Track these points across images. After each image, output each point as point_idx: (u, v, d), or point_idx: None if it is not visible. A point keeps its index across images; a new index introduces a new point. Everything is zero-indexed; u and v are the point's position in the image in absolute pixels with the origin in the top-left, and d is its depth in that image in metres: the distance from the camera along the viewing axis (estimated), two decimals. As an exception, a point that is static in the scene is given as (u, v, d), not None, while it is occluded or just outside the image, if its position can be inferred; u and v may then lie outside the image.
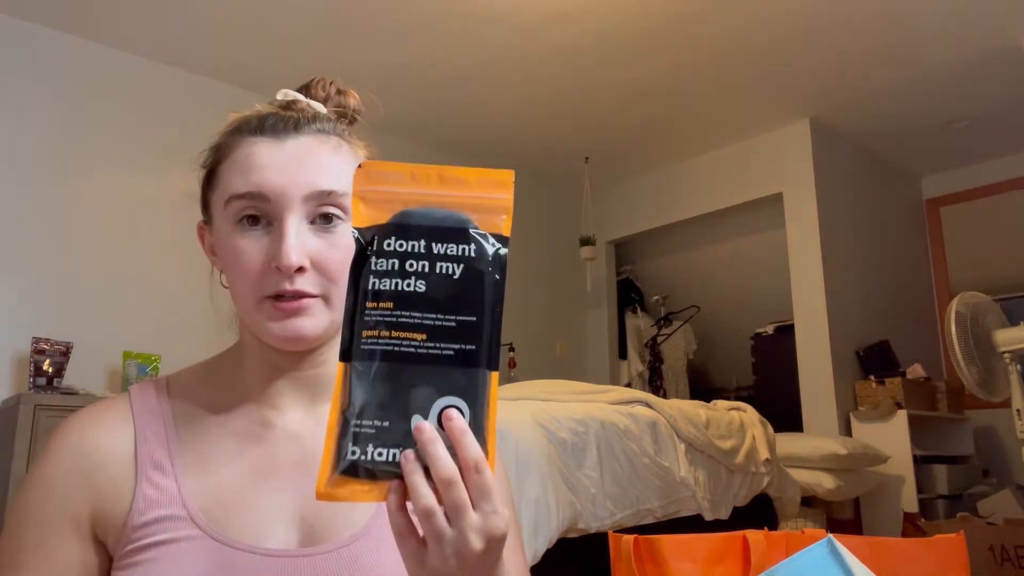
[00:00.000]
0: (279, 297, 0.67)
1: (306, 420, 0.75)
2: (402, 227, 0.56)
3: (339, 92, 0.79)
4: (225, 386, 0.75)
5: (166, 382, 0.75)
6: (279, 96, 0.76)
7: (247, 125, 0.71)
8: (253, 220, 0.68)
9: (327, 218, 0.69)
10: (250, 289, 0.67)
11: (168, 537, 0.64)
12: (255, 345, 0.73)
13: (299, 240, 0.66)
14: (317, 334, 0.69)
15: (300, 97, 0.76)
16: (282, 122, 0.71)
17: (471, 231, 0.56)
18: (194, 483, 0.68)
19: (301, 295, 0.67)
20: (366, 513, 0.71)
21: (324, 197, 0.68)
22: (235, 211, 0.68)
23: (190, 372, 0.77)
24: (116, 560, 0.66)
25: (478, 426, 0.53)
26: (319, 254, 0.68)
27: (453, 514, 0.50)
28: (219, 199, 0.70)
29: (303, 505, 0.69)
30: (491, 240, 0.57)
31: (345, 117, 0.78)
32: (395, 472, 0.52)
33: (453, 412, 0.52)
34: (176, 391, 0.74)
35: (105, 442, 0.69)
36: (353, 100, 0.79)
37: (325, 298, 0.69)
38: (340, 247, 0.68)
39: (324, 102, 0.77)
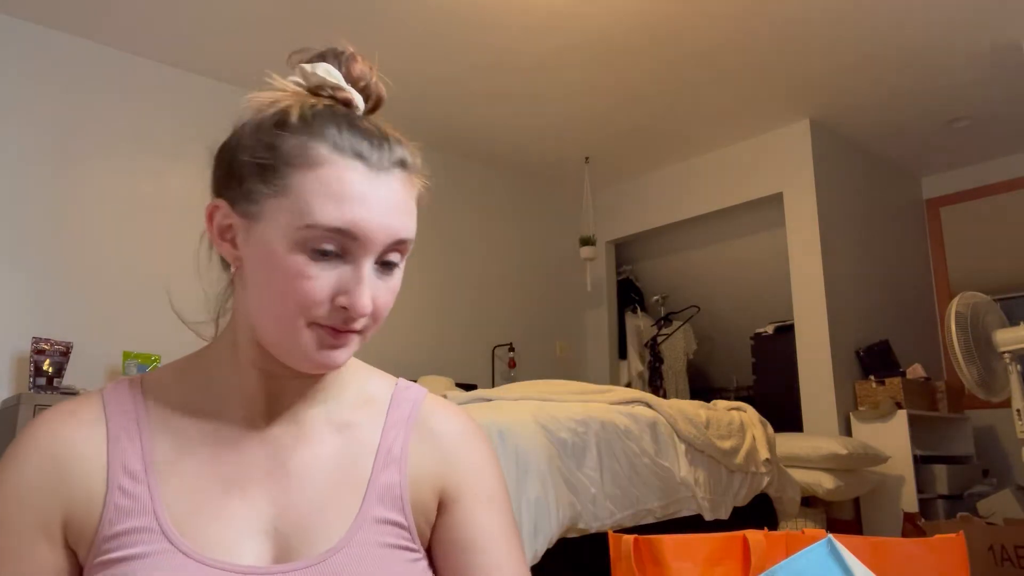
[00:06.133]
0: (331, 328, 0.65)
1: (289, 427, 0.71)
2: None
3: (377, 79, 0.70)
4: (204, 387, 0.71)
5: (140, 381, 0.71)
6: (320, 72, 0.67)
7: (334, 135, 0.63)
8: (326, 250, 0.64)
9: (388, 263, 0.66)
10: (299, 312, 0.63)
11: (138, 551, 0.62)
12: (252, 350, 0.69)
13: (372, 286, 0.65)
14: (343, 362, 0.68)
15: (343, 85, 0.68)
16: (377, 152, 0.64)
17: None
18: (167, 491, 0.65)
19: (351, 331, 0.66)
20: (343, 527, 0.67)
21: (398, 245, 0.65)
22: (312, 237, 0.62)
23: (166, 371, 0.73)
24: (86, 571, 0.63)
25: None
26: (377, 298, 0.66)
27: None
28: (288, 211, 0.62)
29: (278, 516, 0.67)
30: None
31: (377, 111, 0.72)
32: None
33: None
34: (152, 391, 0.70)
35: (77, 444, 0.65)
36: (382, 87, 0.71)
37: (363, 332, 0.67)
38: (392, 290, 0.67)
39: (362, 89, 0.69)
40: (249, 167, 0.64)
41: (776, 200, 4.33)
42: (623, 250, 5.51)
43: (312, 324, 0.64)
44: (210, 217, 0.67)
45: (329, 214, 0.61)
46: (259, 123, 0.65)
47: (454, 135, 4.37)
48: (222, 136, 0.72)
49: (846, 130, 4.34)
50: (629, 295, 5.54)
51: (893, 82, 3.77)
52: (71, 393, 2.78)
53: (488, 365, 4.56)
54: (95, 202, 3.24)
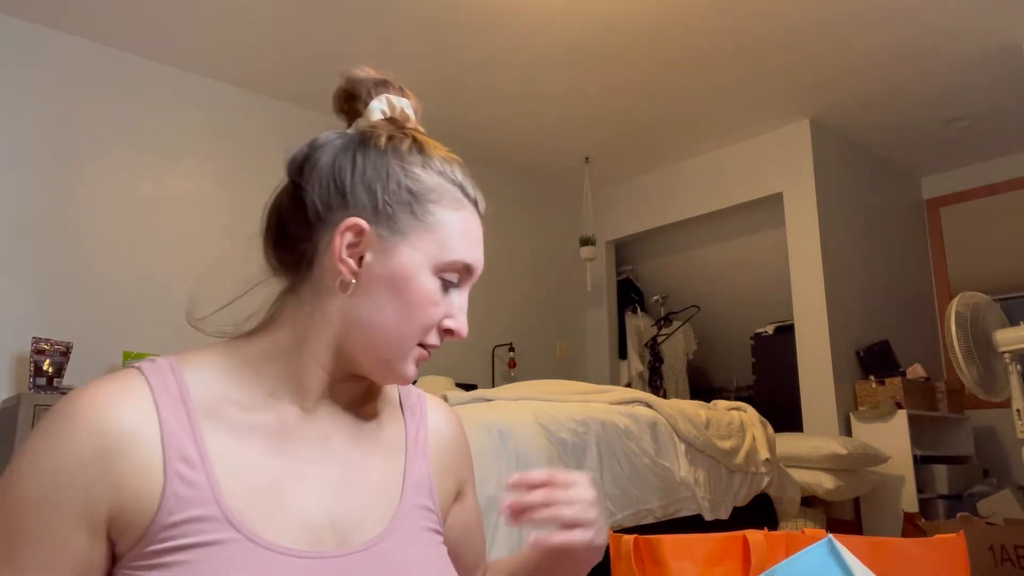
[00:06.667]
0: (423, 347, 0.73)
1: (335, 422, 0.74)
2: None
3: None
4: (253, 379, 0.70)
5: (177, 364, 0.68)
6: (405, 107, 0.78)
7: (462, 180, 0.76)
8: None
9: None
10: (420, 332, 0.71)
11: (203, 540, 0.60)
12: (327, 353, 0.71)
13: None
14: None
15: (414, 120, 0.78)
16: (479, 200, 0.78)
17: None
18: (225, 480, 0.63)
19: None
20: (389, 511, 0.72)
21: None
22: (449, 270, 0.72)
23: (202, 358, 0.70)
24: (131, 557, 0.60)
25: None
26: None
27: None
28: (434, 242, 0.71)
29: (332, 505, 0.69)
30: None
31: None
32: None
33: None
34: (191, 376, 0.68)
35: (129, 425, 0.62)
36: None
37: None
38: None
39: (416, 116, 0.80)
40: (398, 195, 0.71)
41: (776, 200, 4.32)
42: (623, 250, 5.50)
43: (417, 344, 0.72)
44: (343, 233, 0.70)
45: (464, 251, 0.73)
46: (400, 154, 0.72)
47: (454, 134, 4.37)
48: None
49: (846, 130, 4.34)
50: (629, 295, 5.54)
51: (893, 82, 3.77)
52: (71, 393, 2.78)
53: (488, 365, 4.55)
54: (95, 202, 3.24)
